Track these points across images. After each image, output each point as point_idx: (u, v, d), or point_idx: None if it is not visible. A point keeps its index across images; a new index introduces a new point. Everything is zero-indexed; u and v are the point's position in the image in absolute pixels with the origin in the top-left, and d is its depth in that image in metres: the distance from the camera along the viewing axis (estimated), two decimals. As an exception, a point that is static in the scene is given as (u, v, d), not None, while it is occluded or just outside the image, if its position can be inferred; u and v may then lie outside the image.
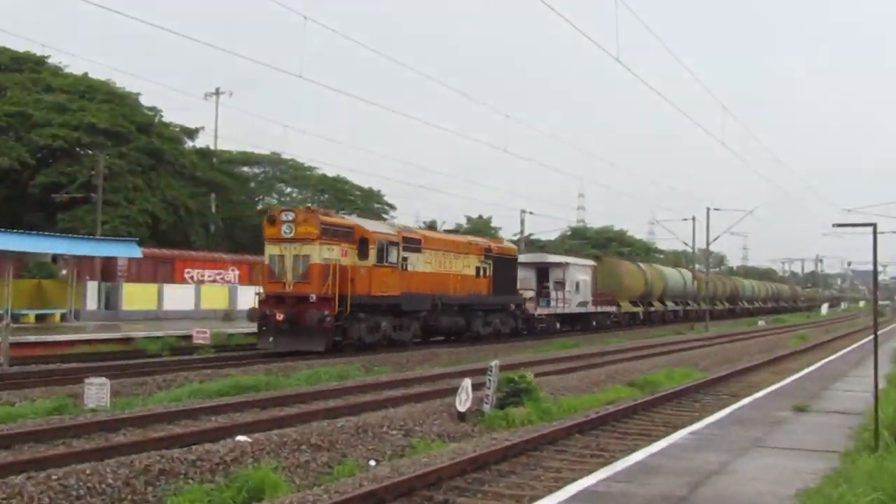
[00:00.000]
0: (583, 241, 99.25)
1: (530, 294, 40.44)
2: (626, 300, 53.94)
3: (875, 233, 10.81)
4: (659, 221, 66.36)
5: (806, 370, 24.35)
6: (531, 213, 63.46)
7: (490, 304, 35.05)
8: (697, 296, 70.39)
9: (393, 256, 28.50)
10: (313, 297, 25.50)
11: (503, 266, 35.95)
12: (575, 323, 45.89)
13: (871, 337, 11.13)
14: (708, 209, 58.99)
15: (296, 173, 71.29)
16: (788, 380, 21.31)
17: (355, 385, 19.02)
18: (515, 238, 63.35)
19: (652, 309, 60.26)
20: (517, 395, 16.03)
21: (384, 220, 31.51)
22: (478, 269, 34.18)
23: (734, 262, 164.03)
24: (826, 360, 28.74)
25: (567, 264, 44.96)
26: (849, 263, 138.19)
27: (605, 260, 55.46)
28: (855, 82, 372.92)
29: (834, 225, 12.58)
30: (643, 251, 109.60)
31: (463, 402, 15.22)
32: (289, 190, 72.83)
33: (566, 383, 20.79)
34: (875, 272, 11.44)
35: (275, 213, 26.98)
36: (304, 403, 16.58)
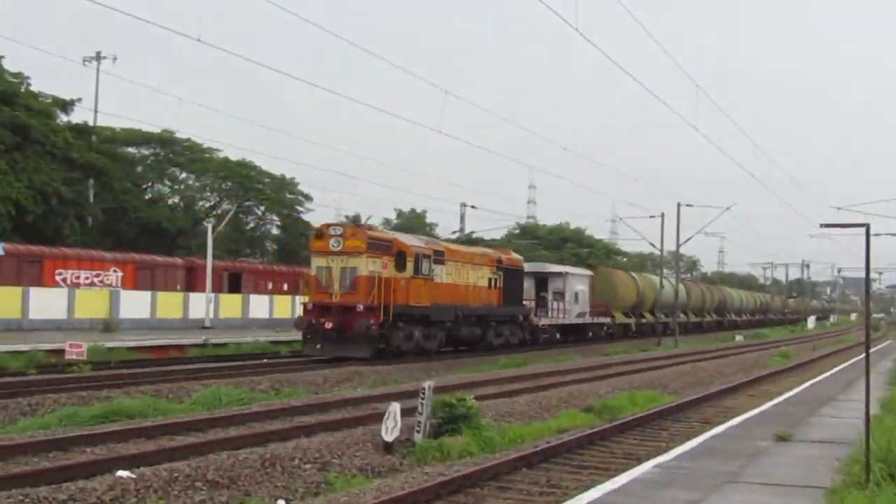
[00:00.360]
0: (533, 240, 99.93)
1: (529, 304, 46.13)
2: (619, 311, 59.95)
3: (868, 234, 10.96)
4: (622, 219, 66.03)
5: (789, 393, 24.90)
6: (473, 207, 63.50)
7: (502, 314, 41.67)
8: (687, 307, 75.24)
9: (425, 268, 35.23)
10: (360, 307, 31.94)
11: (511, 277, 42.40)
12: (572, 334, 51.71)
13: (864, 355, 11.35)
14: (678, 205, 59.79)
15: (193, 156, 70.36)
16: (769, 404, 21.74)
17: (262, 410, 18.89)
18: (454, 236, 63.48)
19: (643, 320, 65.63)
20: (455, 421, 16.09)
21: (378, 227, 38.04)
22: (490, 280, 40.44)
23: (708, 266, 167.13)
24: (812, 381, 29.48)
25: (567, 274, 51.22)
26: (839, 270, 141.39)
27: (599, 269, 61.40)
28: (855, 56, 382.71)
29: (822, 225, 12.81)
30: (604, 253, 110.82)
31: (390, 429, 15.22)
32: (183, 175, 71.95)
33: (513, 408, 20.93)
34: (868, 280, 11.60)
35: (323, 227, 33.67)
36: (199, 432, 16.47)
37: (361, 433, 16.02)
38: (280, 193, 74.06)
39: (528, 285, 47.35)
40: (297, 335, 35.13)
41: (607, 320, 58.04)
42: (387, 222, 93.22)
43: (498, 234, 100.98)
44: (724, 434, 16.25)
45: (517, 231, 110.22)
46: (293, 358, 33.33)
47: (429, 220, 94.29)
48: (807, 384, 28.09)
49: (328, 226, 34.00)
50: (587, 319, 53.60)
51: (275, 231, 79.92)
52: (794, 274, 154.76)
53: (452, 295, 37.29)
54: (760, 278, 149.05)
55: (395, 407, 15.51)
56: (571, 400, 23.49)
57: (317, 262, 33.19)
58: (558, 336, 50.22)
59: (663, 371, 34.30)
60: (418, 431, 15.73)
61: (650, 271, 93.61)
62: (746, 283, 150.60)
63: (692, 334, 70.89)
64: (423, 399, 15.88)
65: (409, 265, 34.37)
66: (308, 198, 76.39)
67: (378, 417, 16.49)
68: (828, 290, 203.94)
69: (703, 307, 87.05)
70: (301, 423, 17.42)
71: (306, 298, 33.40)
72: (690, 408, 22.78)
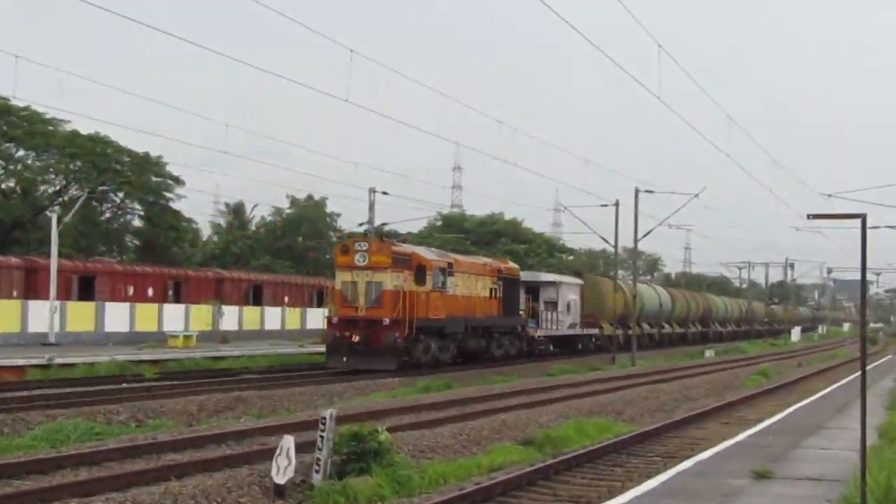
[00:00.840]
0: (459, 234, 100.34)
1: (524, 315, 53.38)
2: (606, 322, 65.73)
3: (864, 227, 11.11)
4: (567, 208, 66.15)
5: (769, 420, 25.27)
6: (385, 193, 63.45)
7: (503, 326, 49.48)
8: (672, 316, 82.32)
9: (441, 281, 43.17)
10: (386, 321, 39.49)
11: (510, 287, 50.08)
12: (564, 346, 59.25)
13: (859, 373, 11.60)
14: (637, 191, 60.36)
15: (32, 128, 69.01)
16: (745, 434, 22.03)
17: (121, 447, 18.68)
18: (362, 228, 63.48)
19: (630, 332, 69.59)
20: (363, 458, 16.09)
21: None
22: (491, 290, 48.02)
23: (672, 266, 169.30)
24: (796, 405, 29.95)
25: (560, 283, 58.41)
26: (828, 271, 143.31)
27: (587, 277, 67.75)
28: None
29: (810, 216, 12.85)
30: (545, 250, 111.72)
31: (282, 469, 15.17)
32: (20, 153, 70.54)
33: (435, 440, 20.98)
34: (864, 282, 11.75)
35: (348, 243, 42.17)
36: (42, 475, 16.25)
37: (247, 474, 15.95)
38: (143, 176, 73.12)
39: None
40: (168, 352, 38.43)
41: (596, 331, 64.87)
42: (277, 211, 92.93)
43: (416, 227, 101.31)
44: (691, 471, 16.46)
45: (439, 223, 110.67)
46: (166, 381, 34.07)
47: (330, 208, 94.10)
48: (790, 409, 28.48)
49: (354, 241, 42.29)
50: (577, 331, 60.85)
51: (137, 223, 79.10)
52: (776, 276, 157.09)
53: (463, 307, 45.30)
54: (735, 280, 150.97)
55: (289, 441, 15.46)
56: (506, 430, 23.63)
57: (342, 276, 40.97)
58: (552, 348, 57.94)
59: (617, 394, 34.66)
60: (317, 471, 15.70)
61: (602, 273, 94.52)
62: (718, 286, 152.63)
63: (650, 349, 72.84)
64: (323, 431, 15.85)
65: (429, 279, 42.39)
66: (178, 181, 75.66)
67: (267, 454, 16.43)
68: (816, 296, 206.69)
69: (687, 317, 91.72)
70: (171, 462, 17.25)
71: (330, 312, 41.82)
72: (651, 439, 23.05)
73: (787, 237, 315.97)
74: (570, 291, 59.44)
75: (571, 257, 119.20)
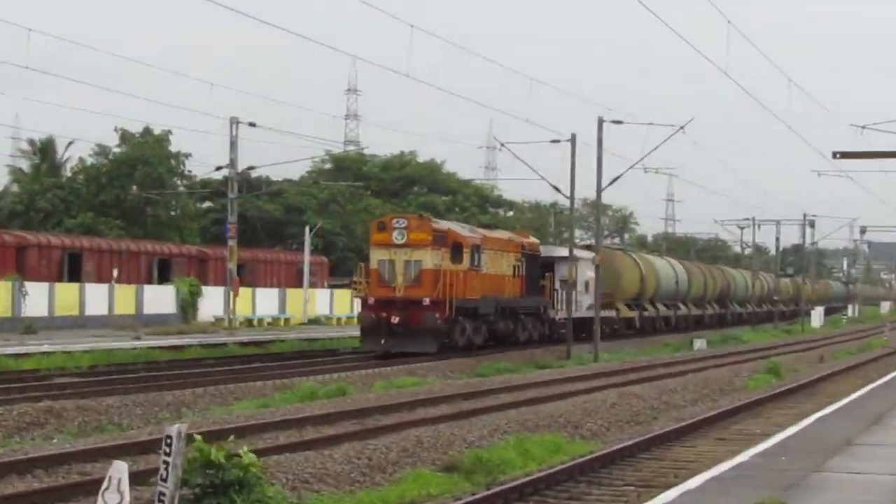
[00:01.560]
0: (356, 181, 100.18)
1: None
2: (621, 302, 76.02)
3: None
4: (504, 145, 65.41)
5: (780, 435, 25.35)
6: (251, 125, 62.97)
7: (528, 307, 60.11)
8: (687, 296, 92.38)
9: (477, 260, 53.01)
10: (427, 301, 48.92)
11: (532, 264, 60.36)
12: (581, 330, 65.60)
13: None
14: (601, 122, 60.11)
15: None
16: (747, 454, 22.13)
17: None
18: (222, 172, 63.19)
19: (646, 313, 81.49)
20: (222, 492, 15.98)
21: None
22: (514, 268, 57.82)
23: (649, 224, 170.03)
24: (817, 414, 30.06)
25: (578, 259, 65.45)
26: (862, 231, 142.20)
27: (603, 252, 71.18)
28: None
29: (836, 155, 12.83)
30: (475, 202, 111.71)
31: (111, 508, 15.05)
32: None
33: (325, 466, 20.91)
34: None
35: (385, 219, 51.70)
36: None
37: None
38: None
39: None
40: None
41: (612, 314, 74.17)
42: (101, 151, 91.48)
43: (295, 172, 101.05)
44: (674, 504, 16.51)
45: (328, 166, 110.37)
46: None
47: (176, 146, 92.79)
48: (809, 419, 28.56)
49: (392, 217, 52.10)
50: (594, 313, 67.46)
51: None
52: (790, 238, 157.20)
53: (493, 286, 54.85)
54: (734, 244, 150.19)
55: (121, 469, 15.30)
56: (422, 452, 23.69)
57: (378, 254, 50.61)
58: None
59: (575, 401, 34.77)
60: (160, 510, 15.61)
61: (551, 234, 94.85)
62: (711, 252, 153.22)
63: (624, 339, 74.93)
64: (168, 455, 15.71)
65: (465, 257, 52.02)
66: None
67: (92, 488, 16.30)
68: (843, 264, 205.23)
69: (703, 296, 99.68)
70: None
71: (364, 293, 51.84)
72: (620, 462, 23.14)
73: (805, 186, 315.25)
74: (587, 268, 67.17)
75: (511, 213, 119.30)
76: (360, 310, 52.49)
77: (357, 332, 54.95)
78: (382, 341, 49.06)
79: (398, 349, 48.76)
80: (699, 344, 72.46)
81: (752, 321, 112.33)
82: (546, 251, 66.74)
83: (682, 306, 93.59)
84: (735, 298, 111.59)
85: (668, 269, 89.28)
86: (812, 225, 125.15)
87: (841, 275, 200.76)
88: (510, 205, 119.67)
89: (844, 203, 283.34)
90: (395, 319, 48.50)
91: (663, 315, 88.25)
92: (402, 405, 32.00)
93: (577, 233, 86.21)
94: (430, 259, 49.56)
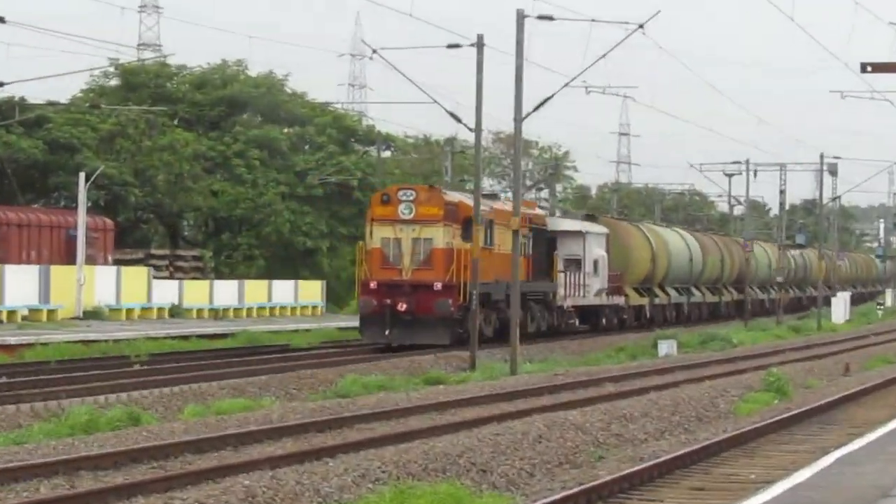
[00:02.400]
0: (157, 106, 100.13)
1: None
2: (630, 286, 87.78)
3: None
4: (378, 52, 64.92)
5: (784, 483, 25.48)
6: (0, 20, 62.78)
7: (535, 292, 71.13)
8: (700, 277, 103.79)
9: (489, 237, 61.81)
10: (438, 286, 59.35)
11: (539, 241, 72.16)
12: (587, 320, 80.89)
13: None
14: (520, 16, 59.89)
15: None
16: (739, 511, 22.31)
17: None
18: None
19: (656, 300, 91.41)
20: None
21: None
22: (521, 246, 63.93)
23: (593, 170, 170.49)
24: (839, 451, 30.11)
25: (586, 234, 78.01)
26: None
27: (609, 223, 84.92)
28: None
29: (865, 68, 12.94)
30: (332, 136, 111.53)
31: None
32: None
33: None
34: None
35: (390, 191, 61.21)
36: None
37: None
38: None
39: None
40: None
41: (621, 300, 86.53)
42: None
43: (64, 91, 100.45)
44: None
45: (114, 81, 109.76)
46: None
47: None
48: (828, 459, 28.56)
49: (398, 188, 61.99)
50: (604, 299, 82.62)
51: None
52: (801, 190, 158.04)
53: (503, 268, 62.48)
54: (719, 199, 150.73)
55: None
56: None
57: (381, 231, 60.99)
58: (577, 323, 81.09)
59: (482, 432, 34.60)
60: None
61: (447, 184, 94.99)
62: (686, 210, 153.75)
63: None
64: None
65: (479, 235, 58.88)
66: None
67: None
68: (879, 229, 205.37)
69: (720, 277, 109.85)
70: None
71: (364, 275, 61.37)
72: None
73: (820, 116, 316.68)
74: (596, 244, 79.43)
75: (389, 152, 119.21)
76: (359, 295, 61.67)
77: (172, 331, 61.50)
78: (387, 332, 59.27)
79: (406, 341, 59.23)
80: (666, 348, 72.99)
81: (791, 310, 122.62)
82: (550, 224, 77.91)
83: (695, 291, 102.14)
84: (757, 280, 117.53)
85: (680, 244, 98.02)
86: (833, 172, 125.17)
87: (876, 245, 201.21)
88: (387, 141, 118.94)
89: (876, 140, 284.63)
90: (401, 307, 58.57)
91: (675, 302, 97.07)
92: (223, 440, 32.01)
93: (487, 182, 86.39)
94: (441, 237, 59.70)
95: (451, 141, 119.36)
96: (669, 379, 53.97)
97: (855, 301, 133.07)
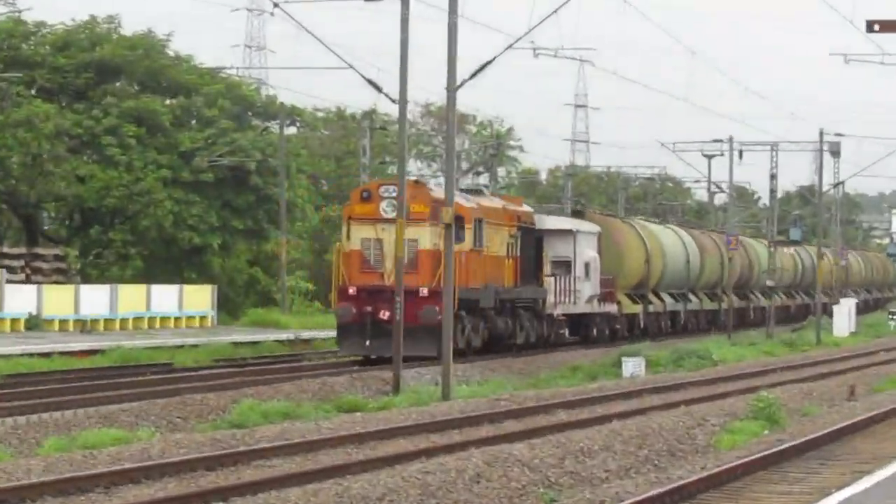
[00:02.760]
0: (12, 73, 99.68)
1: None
2: (622, 292, 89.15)
3: None
4: (279, 6, 65.08)
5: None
6: None
7: (524, 299, 76.05)
8: (698, 282, 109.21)
9: (479, 238, 67.17)
10: (424, 292, 63.81)
11: (527, 243, 76.45)
12: (578, 330, 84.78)
13: None
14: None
15: None
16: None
17: None
18: None
19: (651, 307, 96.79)
20: None
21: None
22: (508, 247, 72.99)
23: (542, 149, 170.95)
24: (843, 492, 29.89)
25: (577, 232, 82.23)
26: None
27: (599, 221, 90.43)
28: None
29: (872, 27, 11.85)
30: (226, 107, 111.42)
31: None
32: None
33: None
34: None
35: (371, 186, 65.93)
36: None
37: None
38: None
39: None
40: None
41: (613, 308, 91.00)
42: None
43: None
44: None
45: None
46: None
47: None
48: (830, 501, 28.65)
49: (379, 184, 63.79)
50: (595, 307, 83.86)
51: None
52: (796, 175, 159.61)
53: (493, 272, 69.53)
54: (697, 186, 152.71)
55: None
56: None
57: (360, 231, 64.70)
58: (567, 333, 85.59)
59: (408, 470, 34.94)
60: None
61: (364, 167, 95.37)
62: (655, 199, 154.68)
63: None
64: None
65: (468, 234, 65.35)
66: None
67: None
68: (891, 221, 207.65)
69: (719, 280, 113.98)
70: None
71: (342, 280, 64.35)
72: None
73: (820, 87, 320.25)
74: (588, 245, 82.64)
75: (294, 128, 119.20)
76: (336, 302, 64.79)
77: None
78: (367, 343, 63.04)
79: (387, 353, 59.80)
80: (632, 367, 73.30)
81: (785, 321, 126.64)
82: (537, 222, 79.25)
83: (692, 297, 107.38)
84: (759, 284, 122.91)
85: (676, 244, 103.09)
86: (835, 152, 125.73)
87: (888, 241, 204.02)
88: (291, 115, 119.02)
89: (887, 114, 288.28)
90: (383, 315, 59.79)
91: (670, 310, 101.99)
92: (92, 480, 31.58)
93: (414, 165, 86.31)
94: (428, 237, 62.94)
95: (369, 115, 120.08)
96: (636, 404, 55.04)
97: (861, 310, 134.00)
